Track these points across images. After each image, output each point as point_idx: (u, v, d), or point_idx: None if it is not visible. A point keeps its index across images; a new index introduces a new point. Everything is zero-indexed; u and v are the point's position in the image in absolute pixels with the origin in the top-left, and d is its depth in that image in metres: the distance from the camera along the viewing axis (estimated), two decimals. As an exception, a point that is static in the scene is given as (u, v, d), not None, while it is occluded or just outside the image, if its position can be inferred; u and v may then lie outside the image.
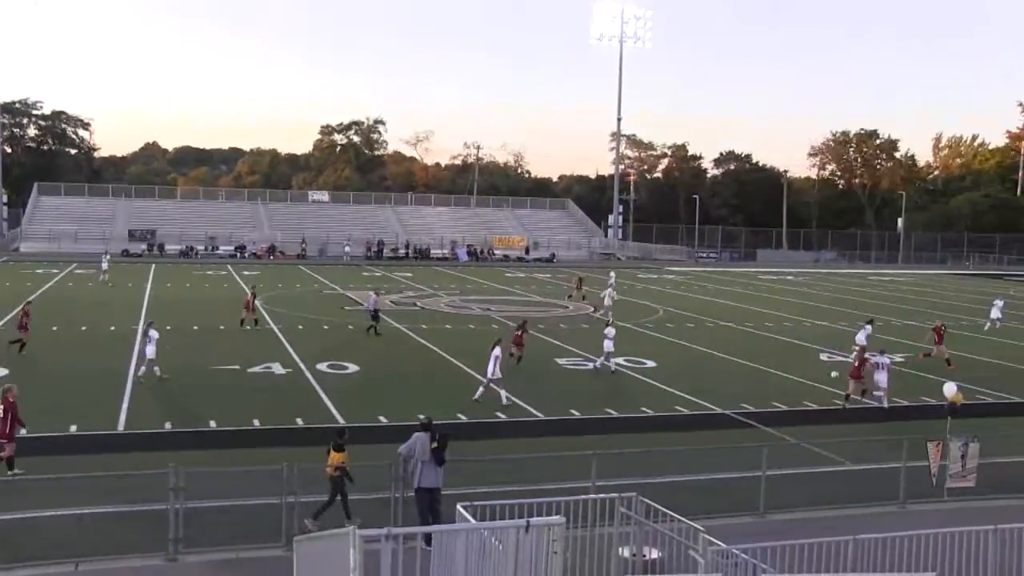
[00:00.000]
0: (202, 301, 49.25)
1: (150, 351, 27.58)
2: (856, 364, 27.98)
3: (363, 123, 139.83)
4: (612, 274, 61.47)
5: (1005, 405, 28.16)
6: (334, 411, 24.31)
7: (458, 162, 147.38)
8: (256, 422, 22.93)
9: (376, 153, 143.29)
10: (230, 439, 21.49)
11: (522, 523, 8.83)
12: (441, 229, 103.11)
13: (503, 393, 25.93)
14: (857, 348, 31.82)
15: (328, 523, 14.66)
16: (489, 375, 26.02)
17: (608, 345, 31.60)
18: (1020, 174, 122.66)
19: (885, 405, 26.92)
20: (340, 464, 16.12)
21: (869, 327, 36.57)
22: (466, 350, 34.76)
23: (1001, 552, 12.70)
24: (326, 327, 39.96)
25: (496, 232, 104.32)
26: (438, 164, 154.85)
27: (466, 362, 32.03)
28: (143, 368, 27.75)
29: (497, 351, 26.32)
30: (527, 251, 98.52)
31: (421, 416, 16.80)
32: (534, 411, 25.12)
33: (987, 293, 68.42)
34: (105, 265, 61.73)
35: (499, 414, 24.57)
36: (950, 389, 23.96)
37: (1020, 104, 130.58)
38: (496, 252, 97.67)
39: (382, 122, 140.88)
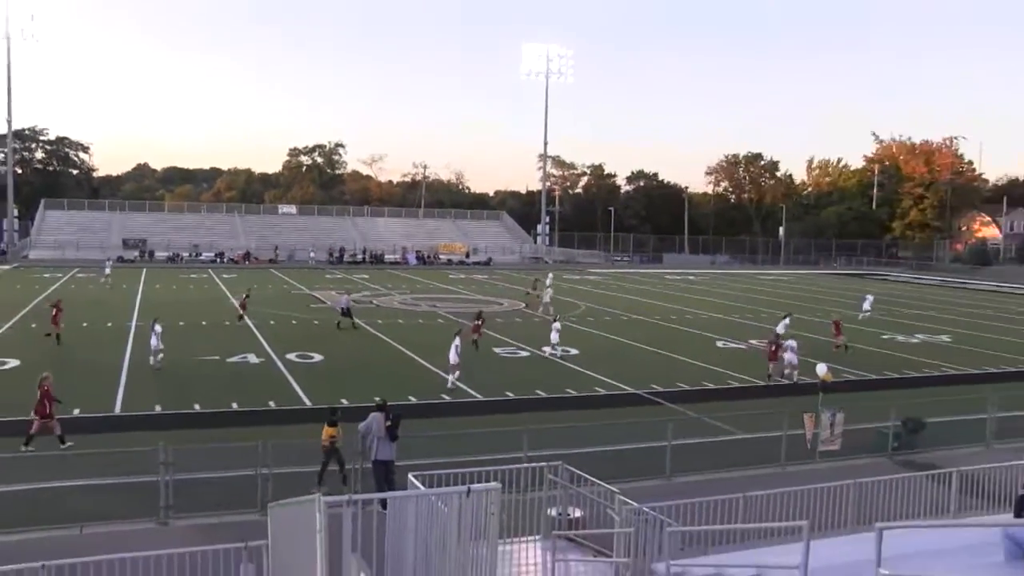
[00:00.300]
0: (187, 301, 48.43)
1: (154, 343, 27.63)
2: (772, 349, 28.77)
3: (326, 146, 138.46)
4: (550, 276, 61.40)
5: (864, 381, 28.88)
6: (302, 395, 24.07)
7: (408, 179, 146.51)
8: (234, 405, 22.65)
9: (337, 172, 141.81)
10: (212, 420, 21.21)
11: (464, 489, 8.88)
12: (393, 237, 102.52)
13: (451, 377, 25.97)
14: (773, 335, 31.84)
15: (334, 488, 14.59)
16: (451, 360, 26.09)
17: (555, 336, 32.85)
18: (875, 191, 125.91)
19: (795, 380, 27.59)
20: (332, 437, 16.38)
21: (788, 319, 36.38)
22: (416, 341, 34.67)
23: (859, 501, 13.09)
24: (294, 322, 39.52)
25: (440, 240, 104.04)
26: (391, 181, 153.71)
27: (416, 352, 31.96)
28: (152, 359, 27.57)
29: (457, 340, 26.65)
30: (467, 256, 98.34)
31: (377, 398, 16.77)
32: (475, 393, 25.13)
33: (852, 288, 70.01)
34: (108, 270, 60.95)
35: (444, 396, 24.54)
36: (821, 369, 24.53)
37: (873, 134, 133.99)
38: (441, 257, 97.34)
39: (342, 145, 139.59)
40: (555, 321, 34.69)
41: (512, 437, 17.41)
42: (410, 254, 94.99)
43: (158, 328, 28.07)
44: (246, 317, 38.81)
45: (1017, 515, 7.28)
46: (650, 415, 22.44)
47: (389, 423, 15.71)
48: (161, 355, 27.68)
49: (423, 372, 28.49)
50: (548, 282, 56.11)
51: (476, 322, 34.25)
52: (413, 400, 23.78)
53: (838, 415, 19.31)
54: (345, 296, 41.99)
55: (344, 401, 23.28)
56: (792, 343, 29.18)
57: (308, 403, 23.28)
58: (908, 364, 32.63)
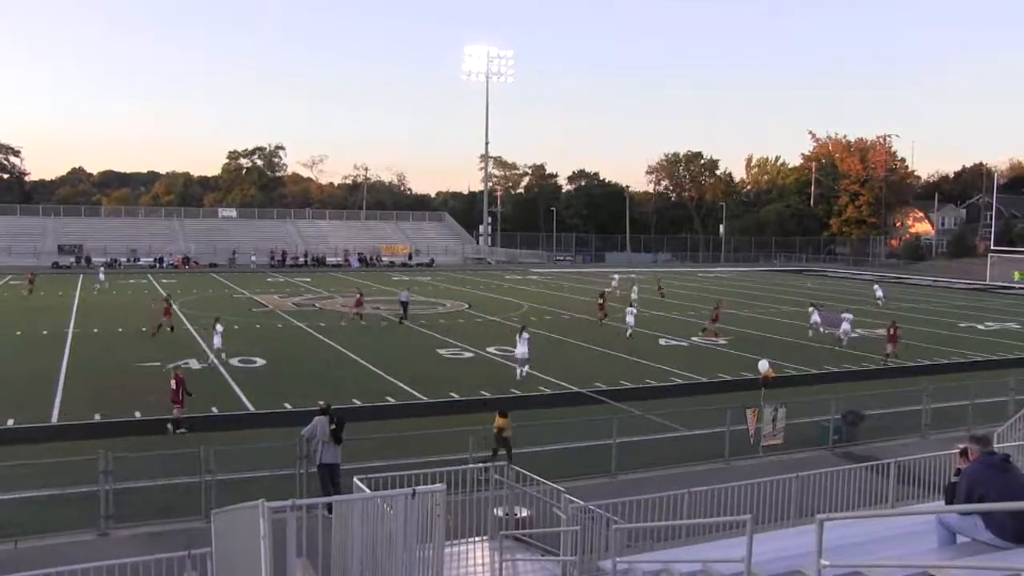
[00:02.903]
0: (125, 307, 47.43)
1: (217, 341, 30.00)
2: (891, 332, 32.53)
3: (265, 148, 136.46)
4: (616, 277, 62.73)
5: (805, 376, 29.42)
6: (245, 400, 23.74)
7: (349, 181, 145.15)
8: (174, 411, 22.20)
9: (277, 174, 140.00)
10: (153, 427, 20.79)
11: (409, 491, 8.84)
12: (335, 239, 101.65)
13: (522, 369, 27.55)
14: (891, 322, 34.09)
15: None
16: (520, 354, 27.57)
17: (630, 319, 37.74)
18: (812, 189, 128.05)
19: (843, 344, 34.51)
20: (500, 428, 17.54)
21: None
22: (359, 344, 34.43)
23: (801, 493, 13.34)
24: (236, 327, 38.92)
25: (383, 241, 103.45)
26: (332, 183, 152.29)
27: (360, 354, 31.75)
28: (211, 357, 29.55)
29: (526, 335, 28.14)
30: (410, 257, 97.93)
31: (321, 402, 16.65)
32: (419, 395, 25.05)
33: (791, 284, 71.31)
34: (102, 276, 61.97)
35: (389, 398, 24.41)
36: (763, 365, 24.90)
37: (810, 132, 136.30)
38: (383, 259, 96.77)
39: (282, 147, 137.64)
40: (629, 305, 39.49)
41: (458, 438, 17.39)
42: (352, 256, 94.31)
43: (220, 327, 30.48)
44: (171, 325, 37.71)
45: (948, 502, 7.50)
46: (595, 413, 22.58)
47: (333, 426, 15.61)
48: (223, 354, 29.57)
49: (367, 375, 28.31)
50: (615, 282, 58.48)
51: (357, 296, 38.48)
52: (358, 403, 23.61)
53: (780, 410, 19.64)
54: (405, 291, 45.03)
55: (287, 405, 23.04)
56: (848, 315, 36.04)
57: (251, 408, 22.96)
58: (847, 358, 33.32)
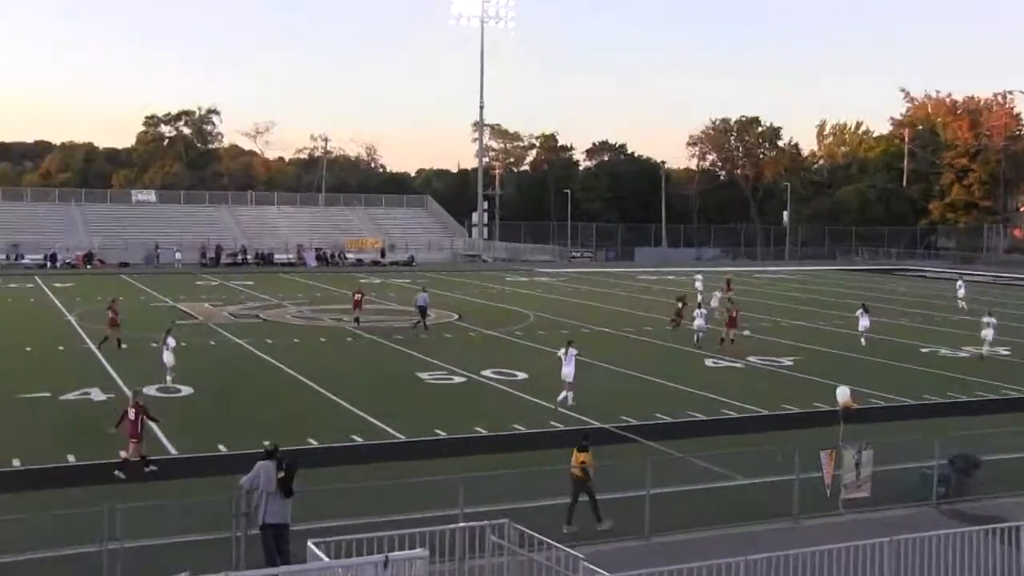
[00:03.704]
0: (4, 321, 47.37)
1: (168, 359, 30.31)
2: None
3: (194, 113, 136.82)
4: (699, 278, 63.47)
5: (899, 408, 29.27)
6: (164, 442, 23.56)
7: (303, 156, 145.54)
8: (71, 458, 22.05)
9: (210, 147, 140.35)
10: (39, 478, 20.62)
11: (380, 559, 8.69)
12: (286, 231, 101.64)
13: (569, 395, 27.91)
14: None
15: (586, 527, 14.17)
16: (566, 375, 28.11)
17: (701, 322, 40.52)
18: (905, 163, 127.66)
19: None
20: (583, 464, 17.80)
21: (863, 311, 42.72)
22: (317, 367, 34.31)
23: (898, 564, 13.14)
24: (155, 344, 38.78)
25: (348, 234, 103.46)
26: (281, 158, 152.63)
27: (317, 380, 31.62)
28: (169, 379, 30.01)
29: (573, 350, 28.47)
30: (383, 254, 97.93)
31: (266, 443, 16.47)
32: (394, 432, 24.94)
33: (880, 288, 71.16)
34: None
35: (355, 436, 24.29)
36: (843, 393, 24.74)
37: (903, 90, 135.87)
38: (348, 256, 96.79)
39: (216, 112, 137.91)
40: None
41: (444, 488, 17.24)
42: (308, 253, 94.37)
43: (171, 341, 30.36)
44: (117, 338, 37.70)
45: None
46: (623, 456, 22.41)
47: (282, 474, 15.48)
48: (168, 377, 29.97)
49: (327, 406, 28.22)
50: (699, 285, 58.90)
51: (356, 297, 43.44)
52: (314, 443, 23.50)
53: (865, 452, 19.46)
54: (424, 294, 45.95)
55: (222, 448, 22.94)
56: (991, 319, 39.50)
57: (173, 451, 22.83)
58: (956, 385, 33.25)
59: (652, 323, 48.72)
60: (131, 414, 21.06)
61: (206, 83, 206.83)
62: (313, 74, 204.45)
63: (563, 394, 28.21)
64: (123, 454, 20.85)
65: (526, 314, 51.76)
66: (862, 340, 41.57)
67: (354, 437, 24.37)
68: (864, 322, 42.42)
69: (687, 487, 20.31)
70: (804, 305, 57.78)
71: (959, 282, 60.39)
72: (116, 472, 20.57)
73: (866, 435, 21.93)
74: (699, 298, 50.28)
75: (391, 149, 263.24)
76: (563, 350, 29.06)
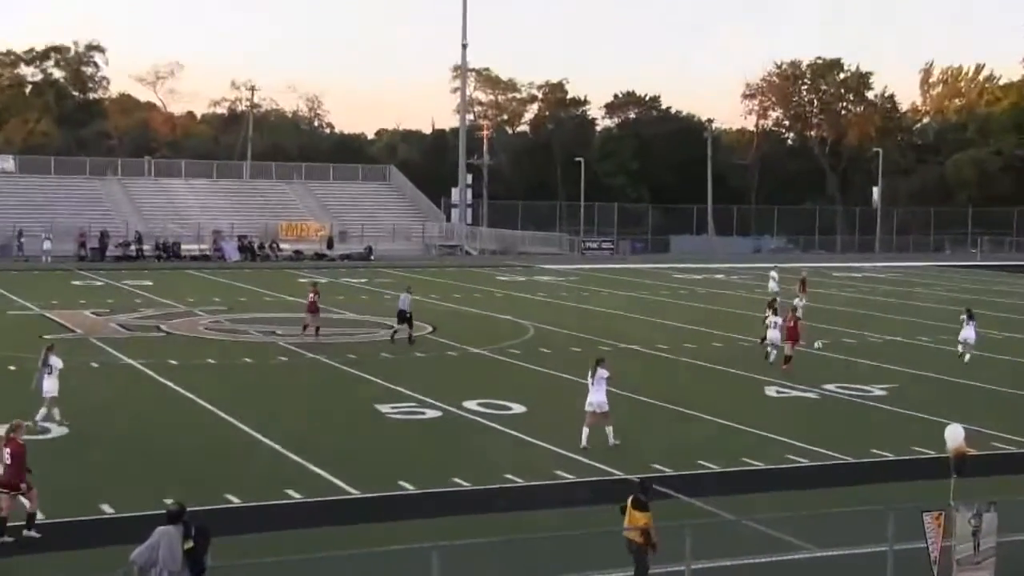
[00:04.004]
0: None
1: (49, 387, 29.83)
2: None
3: (68, 50, 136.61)
4: (774, 274, 64.45)
5: (1029, 454, 29.27)
6: (24, 500, 23.43)
7: (222, 111, 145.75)
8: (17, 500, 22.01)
9: (91, 96, 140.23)
10: None
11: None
12: (197, 213, 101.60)
13: (610, 431, 28.29)
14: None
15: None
16: (597, 405, 28.46)
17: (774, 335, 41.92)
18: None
19: None
20: (646, 528, 18.32)
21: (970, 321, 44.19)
22: (241, 397, 34.32)
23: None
24: (13, 368, 38.79)
25: (283, 217, 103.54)
26: (191, 114, 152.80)
27: (240, 415, 31.55)
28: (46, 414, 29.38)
29: (603, 371, 28.67)
30: (330, 244, 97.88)
31: (168, 502, 16.44)
32: (344, 485, 24.86)
33: (1002, 292, 71.15)
34: None
35: (291, 492, 24.24)
36: (955, 435, 24.63)
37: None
38: (284, 247, 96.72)
39: (100, 48, 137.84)
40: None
41: (412, 560, 17.21)
42: (228, 243, 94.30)
43: (56, 362, 30.03)
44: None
45: None
46: (656, 516, 22.38)
47: (189, 545, 15.44)
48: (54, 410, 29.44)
49: (253, 451, 28.22)
50: (773, 285, 60.37)
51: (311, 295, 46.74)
52: (235, 502, 23.44)
53: (987, 515, 19.42)
54: (407, 294, 46.37)
55: (107, 508, 22.80)
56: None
57: (40, 515, 22.69)
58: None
59: (693, 338, 48.65)
60: (6, 456, 21.00)
61: (85, 9, 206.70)
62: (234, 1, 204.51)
63: (585, 431, 28.45)
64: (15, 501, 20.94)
65: (524, 326, 51.69)
66: (965, 356, 43.02)
67: (290, 492, 24.25)
68: (968, 332, 43.47)
69: (740, 560, 20.27)
70: (901, 314, 57.75)
71: None
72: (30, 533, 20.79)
73: (988, 492, 21.91)
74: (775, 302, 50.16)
75: (342, 103, 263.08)
76: (590, 372, 29.20)
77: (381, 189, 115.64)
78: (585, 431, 28.31)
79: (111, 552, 17.62)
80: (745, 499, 24.29)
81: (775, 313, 44.14)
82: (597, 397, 28.59)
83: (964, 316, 44.81)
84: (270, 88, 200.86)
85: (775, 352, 41.45)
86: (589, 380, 28.94)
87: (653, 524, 18.22)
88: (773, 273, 64.44)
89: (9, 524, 20.76)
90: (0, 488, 20.77)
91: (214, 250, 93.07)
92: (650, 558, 18.07)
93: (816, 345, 45.13)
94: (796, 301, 51.59)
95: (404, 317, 45.62)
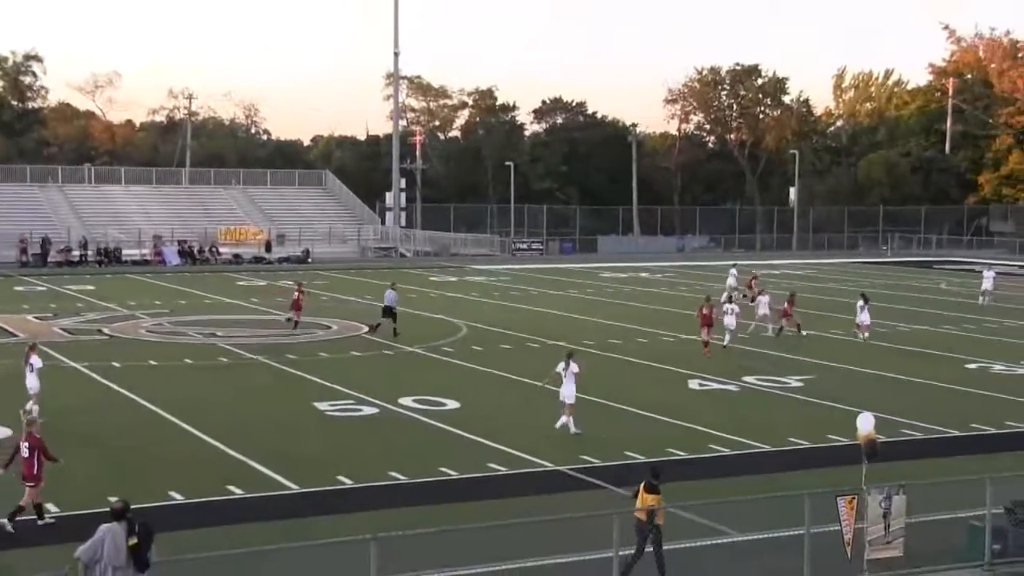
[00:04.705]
0: None
1: (33, 384, 30.70)
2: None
3: (7, 60, 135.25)
4: (733, 270, 65.71)
5: (939, 440, 29.69)
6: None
7: (160, 119, 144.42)
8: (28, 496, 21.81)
9: (30, 106, 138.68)
10: None
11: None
12: (138, 219, 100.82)
13: (570, 421, 29.23)
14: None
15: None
16: (566, 396, 29.43)
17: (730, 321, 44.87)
18: (949, 123, 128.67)
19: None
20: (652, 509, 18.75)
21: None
22: (182, 397, 34.13)
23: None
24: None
25: (222, 221, 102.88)
26: (130, 123, 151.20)
27: (182, 415, 31.42)
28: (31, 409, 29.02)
29: (574, 365, 29.61)
30: (268, 247, 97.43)
31: (112, 499, 16.38)
32: (285, 481, 24.85)
33: (912, 287, 71.98)
34: None
35: (233, 488, 24.17)
36: (866, 423, 24.94)
37: (946, 28, 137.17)
38: (223, 251, 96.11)
39: (38, 58, 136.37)
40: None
41: (351, 552, 17.25)
42: (168, 247, 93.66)
43: (36, 361, 30.83)
44: None
45: None
46: (582, 507, 22.50)
47: (133, 541, 15.38)
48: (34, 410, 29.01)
49: (195, 449, 28.10)
50: (732, 282, 61.20)
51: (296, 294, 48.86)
52: (177, 498, 23.36)
53: (896, 498, 19.66)
54: (392, 291, 48.61)
55: (53, 508, 22.60)
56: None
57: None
58: (1015, 410, 33.68)
59: (619, 334, 48.88)
60: (24, 449, 21.29)
61: (23, 19, 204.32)
62: (172, 9, 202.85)
63: (562, 419, 29.34)
64: (27, 497, 21.25)
65: (457, 325, 51.72)
66: (860, 336, 47.05)
67: (231, 488, 24.22)
68: (864, 316, 46.98)
69: (667, 546, 20.35)
70: (816, 309, 58.15)
71: (987, 272, 63.80)
72: (3, 522, 20.87)
73: (897, 476, 22.18)
74: (730, 295, 52.13)
75: (278, 110, 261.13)
76: (562, 364, 29.89)
77: (317, 194, 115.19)
78: (563, 418, 29.43)
79: (56, 550, 17.53)
80: (670, 488, 24.41)
81: (730, 301, 47.11)
82: (566, 389, 29.44)
83: (860, 302, 47.59)
84: (207, 96, 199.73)
85: (728, 338, 44.52)
86: (562, 372, 29.78)
87: (661, 508, 18.91)
88: (733, 270, 65.28)
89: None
90: (23, 480, 21.14)
91: (155, 255, 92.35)
92: (658, 537, 18.71)
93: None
94: (764, 299, 52.80)
95: (389, 311, 47.50)
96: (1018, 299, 64.90)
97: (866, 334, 46.96)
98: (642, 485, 19.19)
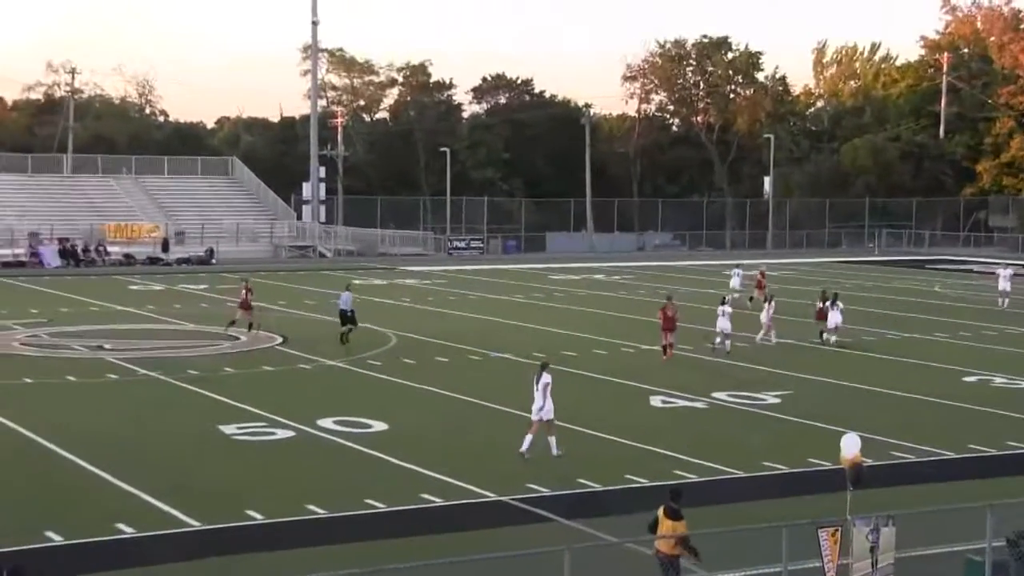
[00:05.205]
0: None
1: None
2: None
3: None
4: (738, 271, 68.23)
5: (932, 463, 29.89)
6: None
7: (38, 97, 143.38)
8: None
9: None
10: None
11: None
12: (10, 214, 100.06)
13: (552, 441, 29.49)
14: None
15: None
16: (544, 412, 29.71)
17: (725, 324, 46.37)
18: (943, 104, 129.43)
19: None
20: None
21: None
22: (64, 420, 33.93)
23: None
24: None
25: (111, 216, 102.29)
26: (0, 100, 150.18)
27: (64, 441, 31.15)
28: None
29: (547, 376, 29.90)
30: (165, 246, 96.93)
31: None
32: (184, 517, 24.67)
33: (900, 289, 72.45)
34: None
35: (122, 526, 24.01)
36: (851, 444, 25.06)
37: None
38: (112, 250, 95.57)
39: None
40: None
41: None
42: (46, 247, 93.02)
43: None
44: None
45: None
46: (529, 541, 22.48)
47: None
48: None
49: (78, 480, 27.90)
50: (736, 283, 63.84)
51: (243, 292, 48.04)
52: (57, 540, 23.15)
53: (885, 530, 19.79)
54: (347, 293, 50.36)
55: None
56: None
57: None
58: (1016, 428, 33.95)
59: (572, 344, 48.97)
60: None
61: None
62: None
63: (529, 438, 29.58)
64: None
65: (385, 334, 51.68)
66: (831, 339, 48.64)
67: (120, 527, 23.99)
68: (836, 317, 48.55)
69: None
70: (792, 315, 58.46)
71: (1002, 269, 65.48)
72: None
73: (886, 505, 22.34)
74: (724, 297, 52.53)
75: (177, 88, 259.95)
76: (535, 377, 30.11)
77: (223, 184, 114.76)
78: (528, 438, 29.33)
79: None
80: (628, 519, 24.47)
81: (723, 303, 47.97)
82: (540, 404, 29.57)
83: (829, 302, 49.28)
84: (93, 71, 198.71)
85: (721, 340, 46.19)
86: (534, 386, 29.99)
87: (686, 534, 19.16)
88: (737, 271, 67.63)
89: None
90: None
91: (30, 255, 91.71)
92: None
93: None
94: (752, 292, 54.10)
95: (347, 316, 48.88)
96: (1013, 303, 65.48)
97: (834, 338, 48.27)
98: (661, 510, 19.40)
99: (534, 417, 29.70)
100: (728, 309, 47.33)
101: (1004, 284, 63.99)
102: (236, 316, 50.74)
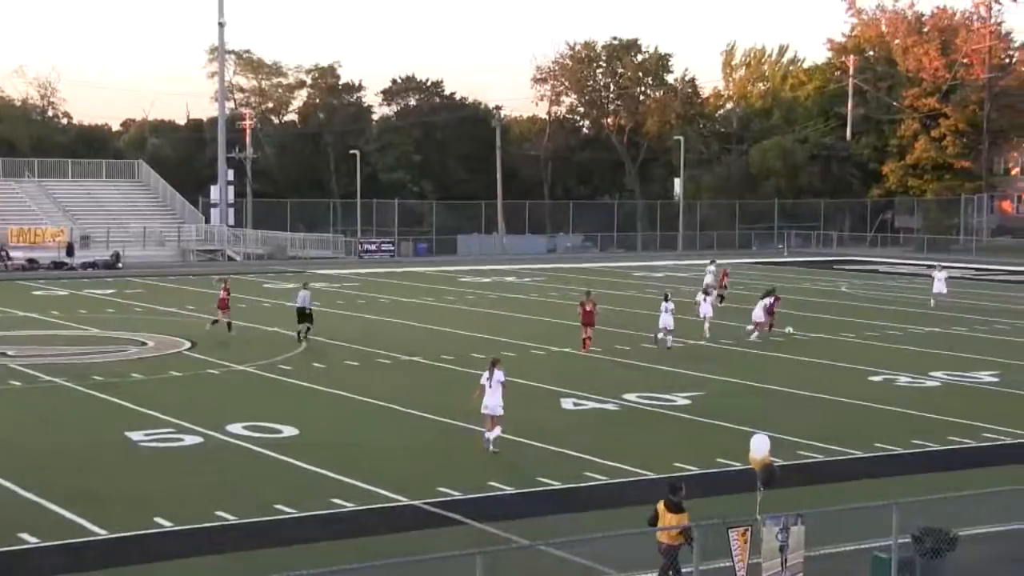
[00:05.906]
0: None
1: None
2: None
3: None
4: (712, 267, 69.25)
5: (840, 463, 30.16)
6: None
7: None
8: None
9: None
10: None
11: None
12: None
13: (491, 436, 30.27)
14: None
15: None
16: (492, 408, 30.26)
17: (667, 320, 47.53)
18: (849, 106, 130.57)
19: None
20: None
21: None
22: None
23: None
24: None
25: (13, 220, 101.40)
26: None
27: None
28: None
29: (499, 373, 30.35)
30: (70, 251, 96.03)
31: None
32: (90, 526, 24.43)
33: (811, 289, 73.07)
34: None
35: (25, 536, 23.75)
36: (760, 445, 25.21)
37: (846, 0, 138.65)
38: (15, 255, 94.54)
39: None
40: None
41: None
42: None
43: None
44: None
45: None
46: (440, 546, 22.46)
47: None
48: None
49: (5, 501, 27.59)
50: (710, 279, 64.24)
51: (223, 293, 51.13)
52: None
53: (794, 529, 19.91)
54: (305, 291, 51.05)
55: None
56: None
57: None
58: (921, 426, 34.44)
59: (482, 346, 48.99)
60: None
61: None
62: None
63: (489, 433, 30.36)
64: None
65: (295, 339, 51.46)
66: (667, 341, 48.11)
67: (23, 536, 23.74)
68: (706, 308, 51.04)
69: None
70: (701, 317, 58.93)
71: (937, 270, 66.10)
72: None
73: (794, 504, 22.50)
74: (705, 290, 56.10)
75: (80, 90, 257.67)
76: (486, 373, 30.44)
77: (129, 188, 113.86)
78: (490, 435, 30.33)
79: None
80: (540, 522, 24.50)
81: (665, 299, 48.82)
82: (492, 400, 30.18)
83: (701, 295, 52.18)
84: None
85: (663, 334, 47.83)
86: (486, 382, 30.38)
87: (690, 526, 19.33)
88: (711, 267, 68.84)
89: None
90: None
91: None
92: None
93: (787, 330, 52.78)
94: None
95: (304, 314, 49.84)
96: (916, 303, 66.15)
97: (670, 339, 48.37)
98: (660, 504, 19.77)
99: (484, 411, 30.30)
100: (671, 305, 48.10)
101: (939, 287, 64.58)
102: (218, 316, 51.95)
